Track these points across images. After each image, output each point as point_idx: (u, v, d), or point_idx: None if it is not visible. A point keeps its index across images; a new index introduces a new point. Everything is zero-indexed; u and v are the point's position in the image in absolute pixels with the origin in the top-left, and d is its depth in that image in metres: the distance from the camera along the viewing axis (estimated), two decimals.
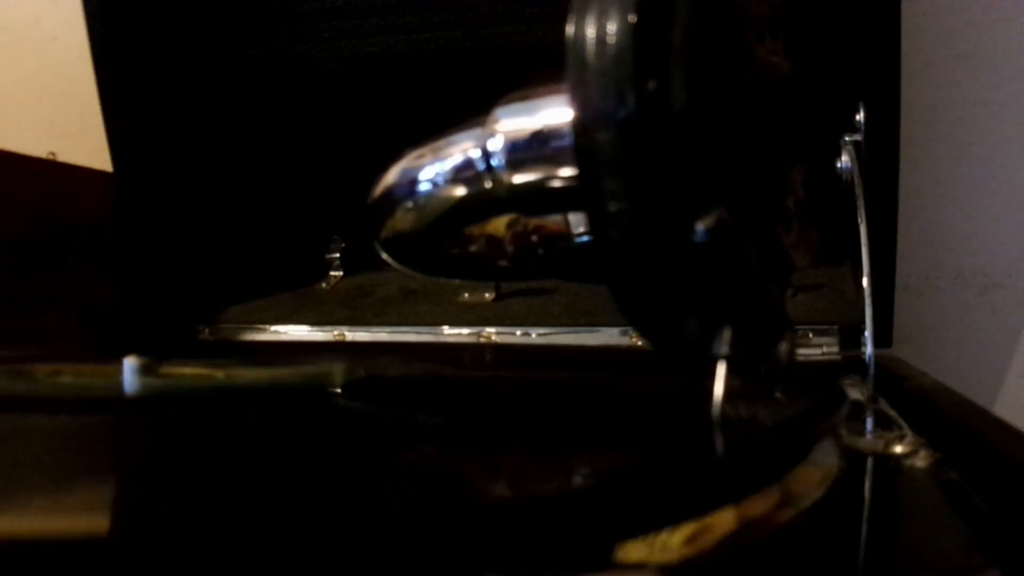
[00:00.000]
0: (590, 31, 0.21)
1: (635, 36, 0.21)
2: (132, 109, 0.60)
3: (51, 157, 0.61)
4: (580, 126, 0.21)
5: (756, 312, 0.24)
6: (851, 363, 0.44)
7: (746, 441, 0.23)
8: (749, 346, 0.23)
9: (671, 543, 0.16)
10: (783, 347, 0.24)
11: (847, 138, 0.43)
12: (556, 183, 0.24)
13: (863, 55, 0.47)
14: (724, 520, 0.17)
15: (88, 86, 0.58)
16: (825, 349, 0.48)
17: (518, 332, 0.54)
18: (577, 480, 0.21)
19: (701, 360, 0.23)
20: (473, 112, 0.27)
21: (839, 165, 0.42)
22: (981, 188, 0.60)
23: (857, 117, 0.44)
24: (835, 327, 0.48)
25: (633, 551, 0.15)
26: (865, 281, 0.39)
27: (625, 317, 0.23)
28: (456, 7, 0.55)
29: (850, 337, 0.47)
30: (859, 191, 0.41)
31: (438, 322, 0.56)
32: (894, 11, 0.46)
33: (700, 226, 0.21)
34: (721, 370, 0.23)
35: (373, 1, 0.56)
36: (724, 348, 0.23)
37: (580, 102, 0.21)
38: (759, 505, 0.19)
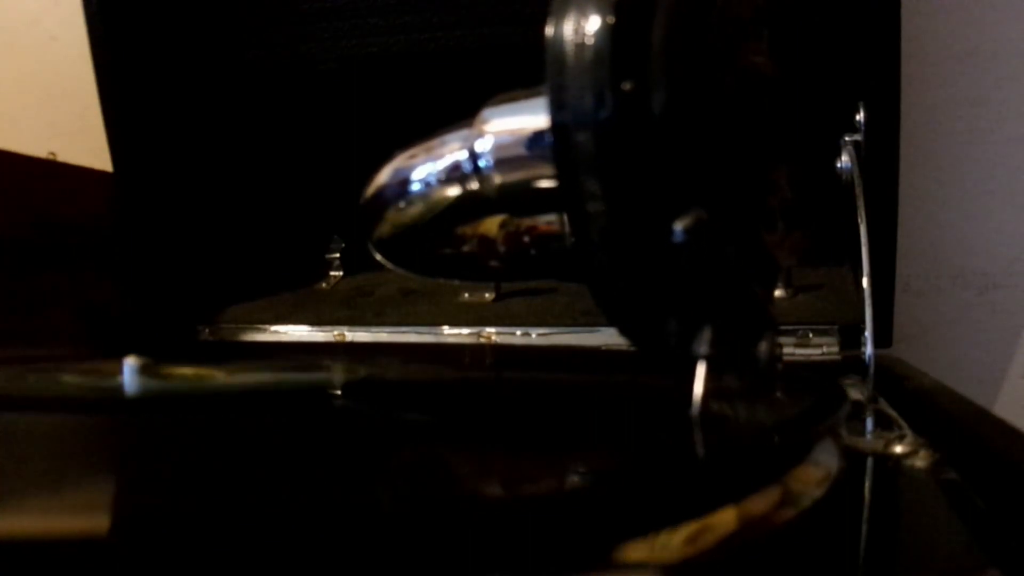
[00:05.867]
0: (568, 32, 0.21)
1: (613, 37, 0.21)
2: (132, 109, 0.60)
3: (51, 157, 0.61)
4: (559, 127, 0.21)
5: (737, 312, 0.24)
6: (851, 363, 0.44)
7: (740, 441, 0.23)
8: (729, 345, 0.23)
9: (672, 543, 0.16)
10: (763, 347, 0.24)
11: (847, 138, 0.43)
12: (543, 184, 0.24)
13: (863, 55, 0.47)
14: (725, 520, 0.17)
15: (88, 86, 0.58)
16: (825, 349, 0.48)
17: (518, 332, 0.54)
18: (577, 479, 0.21)
19: (682, 360, 0.23)
20: (472, 113, 0.27)
21: (839, 165, 0.42)
22: (981, 188, 0.60)
23: (857, 117, 0.44)
24: (835, 327, 0.48)
25: (633, 551, 0.15)
26: (865, 281, 0.39)
27: (606, 317, 0.23)
28: (456, 7, 0.55)
29: (850, 337, 0.47)
30: (859, 191, 0.41)
31: (438, 322, 0.56)
32: (894, 11, 0.46)
33: (678, 226, 0.21)
34: (701, 370, 0.23)
35: (373, 1, 0.56)
36: (704, 348, 0.23)
37: (558, 103, 0.21)
38: (760, 505, 0.19)
